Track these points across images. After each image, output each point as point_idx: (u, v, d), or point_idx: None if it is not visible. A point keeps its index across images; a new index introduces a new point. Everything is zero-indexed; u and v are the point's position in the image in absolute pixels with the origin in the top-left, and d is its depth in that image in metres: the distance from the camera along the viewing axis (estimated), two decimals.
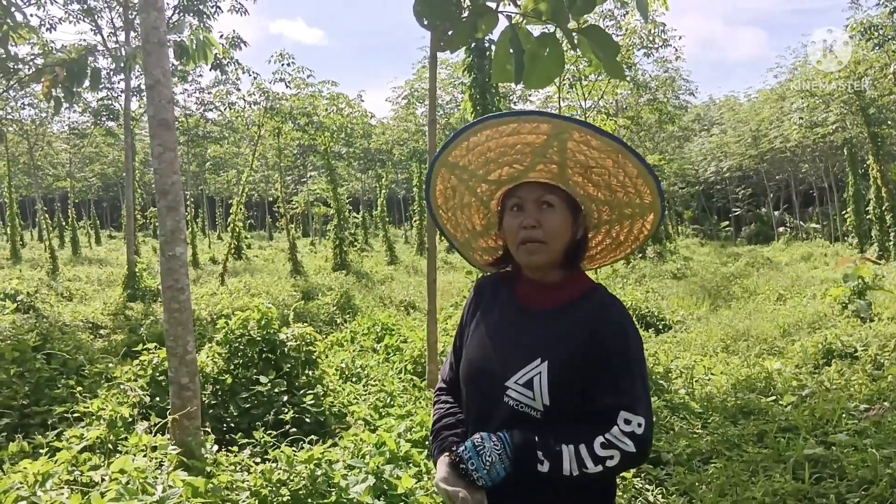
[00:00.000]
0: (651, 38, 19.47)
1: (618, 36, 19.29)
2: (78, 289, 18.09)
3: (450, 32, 6.40)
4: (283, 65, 20.14)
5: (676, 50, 23.06)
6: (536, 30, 5.56)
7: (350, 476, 4.02)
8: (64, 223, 41.71)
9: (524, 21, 5.67)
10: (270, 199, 60.13)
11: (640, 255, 26.46)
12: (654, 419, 6.24)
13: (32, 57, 12.14)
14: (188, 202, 35.00)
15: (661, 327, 12.46)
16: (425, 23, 6.25)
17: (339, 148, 31.37)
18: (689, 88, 33.89)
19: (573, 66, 16.58)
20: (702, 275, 20.87)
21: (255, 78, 19.66)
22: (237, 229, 24.43)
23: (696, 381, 7.90)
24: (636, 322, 11.52)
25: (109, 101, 22.26)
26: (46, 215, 30.74)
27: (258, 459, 4.47)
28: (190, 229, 31.22)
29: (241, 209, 22.36)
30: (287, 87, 20.84)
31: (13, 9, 8.62)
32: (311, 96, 22.51)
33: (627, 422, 1.68)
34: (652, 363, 8.10)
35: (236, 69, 18.79)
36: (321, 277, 21.32)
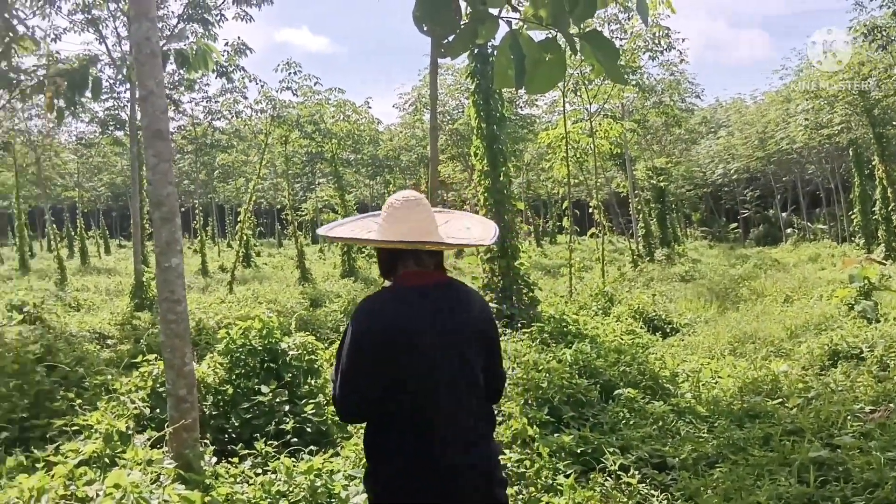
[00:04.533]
0: (656, 42, 19.40)
1: (622, 40, 19.25)
2: (86, 299, 18.13)
3: (450, 38, 6.35)
4: (289, 73, 20.18)
5: (681, 53, 22.98)
6: (538, 35, 5.52)
7: (350, 486, 3.99)
8: (73, 233, 41.88)
9: (525, 27, 5.63)
10: (279, 206, 60.33)
11: (649, 259, 26.37)
12: (662, 424, 6.25)
13: (36, 68, 12.21)
14: (198, 211, 35.09)
15: (668, 330, 12.39)
16: (425, 29, 6.21)
17: (347, 155, 31.42)
18: (694, 91, 33.80)
19: (577, 70, 16.55)
20: (710, 277, 20.75)
21: (261, 86, 19.71)
22: (246, 237, 24.48)
23: (702, 385, 7.83)
24: (644, 324, 11.43)
25: (116, 111, 22.35)
26: (54, 226, 30.84)
27: (259, 470, 4.44)
28: (199, 237, 31.30)
29: (249, 217, 22.40)
30: (294, 95, 20.90)
31: (15, 21, 8.64)
32: (318, 104, 22.57)
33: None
34: (658, 367, 8.05)
35: (243, 77, 18.85)
36: (329, 284, 21.34)
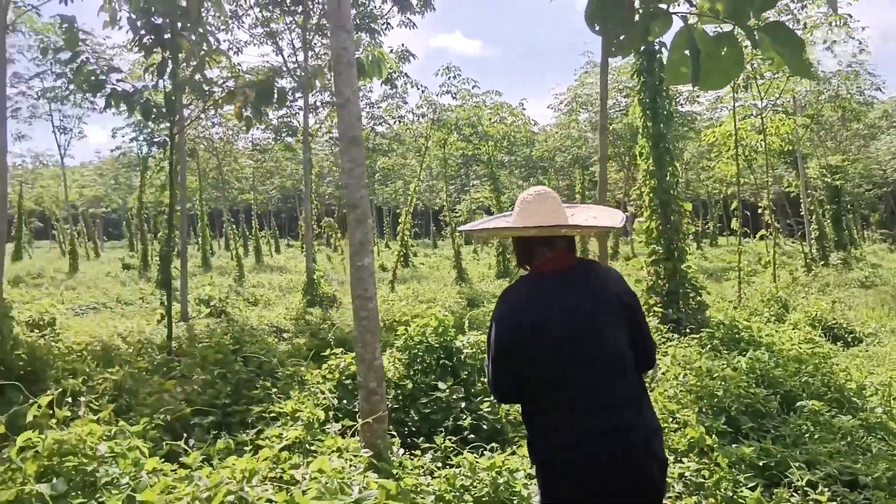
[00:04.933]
0: (836, 30, 18.16)
1: (797, 30, 18.17)
2: (262, 295, 19.34)
3: (621, 37, 6.27)
4: (449, 77, 20.63)
5: (860, 42, 21.33)
6: (712, 29, 5.31)
7: (531, 486, 4.04)
8: (248, 233, 44.80)
9: (699, 21, 5.47)
10: (435, 208, 61.68)
11: (823, 263, 24.75)
12: (851, 439, 5.85)
13: (223, 80, 13.17)
14: (334, 209, 36.51)
15: (850, 340, 11.58)
16: (597, 28, 6.17)
17: (502, 156, 31.62)
18: (875, 83, 31.32)
19: (749, 63, 15.80)
20: (893, 283, 19.19)
21: (422, 91, 20.25)
22: (405, 238, 25.19)
23: (894, 399, 7.26)
24: (823, 333, 10.76)
25: (288, 119, 23.62)
26: (234, 226, 33.08)
27: (439, 464, 4.59)
28: None
29: (408, 218, 23.05)
30: (453, 98, 21.30)
31: (209, 35, 9.34)
32: (476, 107, 22.87)
33: None
34: (843, 379, 7.56)
35: (405, 83, 19.45)
36: (485, 284, 21.58)
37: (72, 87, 24.47)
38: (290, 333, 12.76)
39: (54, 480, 3.46)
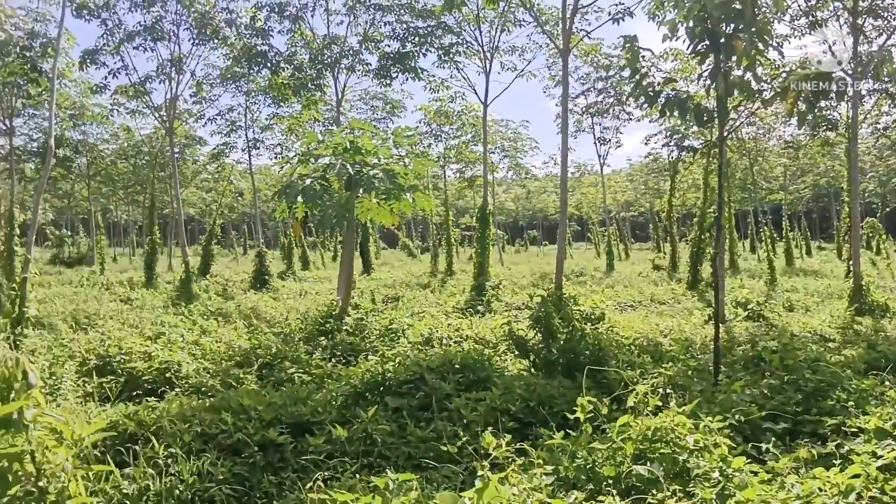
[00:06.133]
0: None
1: None
2: (798, 300, 18.25)
3: None
4: None
5: None
6: None
7: None
8: (775, 235, 42.92)
9: None
10: None
11: None
12: None
13: (769, 77, 12.82)
14: (875, 208, 32.33)
15: None
16: None
17: None
18: None
19: None
20: None
21: None
22: None
23: None
24: None
25: (827, 111, 21.93)
26: (765, 227, 32.18)
27: None
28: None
29: None
30: None
31: (763, 33, 9.18)
32: None
33: None
34: None
35: None
36: None
37: (610, 100, 26.54)
38: (837, 343, 11.78)
39: (648, 464, 3.74)
